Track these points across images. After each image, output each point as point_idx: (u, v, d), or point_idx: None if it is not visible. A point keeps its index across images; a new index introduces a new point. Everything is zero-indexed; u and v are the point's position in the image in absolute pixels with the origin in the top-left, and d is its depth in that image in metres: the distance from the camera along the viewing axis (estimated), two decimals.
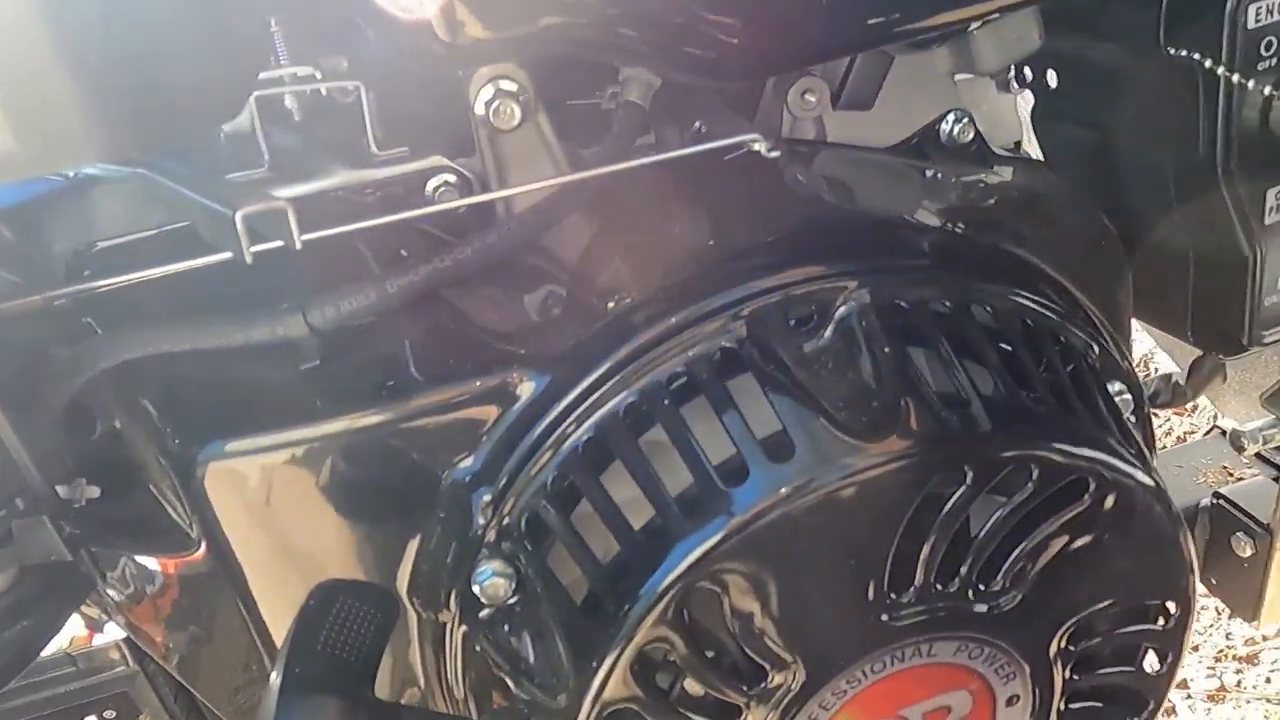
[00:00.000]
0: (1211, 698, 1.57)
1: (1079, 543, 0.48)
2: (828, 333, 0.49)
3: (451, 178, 0.60)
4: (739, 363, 0.48)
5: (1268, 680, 1.57)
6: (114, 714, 0.80)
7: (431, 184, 0.60)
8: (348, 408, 0.50)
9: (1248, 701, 1.55)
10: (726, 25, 0.45)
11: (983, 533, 0.46)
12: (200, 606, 0.57)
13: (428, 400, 0.50)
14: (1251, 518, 0.93)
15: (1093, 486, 0.47)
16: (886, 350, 0.47)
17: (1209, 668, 1.60)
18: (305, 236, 0.49)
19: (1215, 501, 0.96)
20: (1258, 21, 0.56)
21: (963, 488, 0.45)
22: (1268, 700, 1.55)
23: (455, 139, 0.60)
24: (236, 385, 0.51)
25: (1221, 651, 1.62)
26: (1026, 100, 0.76)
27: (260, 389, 0.51)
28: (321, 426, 0.50)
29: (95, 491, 0.55)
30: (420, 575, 0.53)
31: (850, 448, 0.44)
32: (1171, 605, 0.52)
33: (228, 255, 0.51)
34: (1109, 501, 0.47)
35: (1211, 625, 1.63)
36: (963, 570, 0.47)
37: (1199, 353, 0.75)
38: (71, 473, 0.54)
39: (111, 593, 0.58)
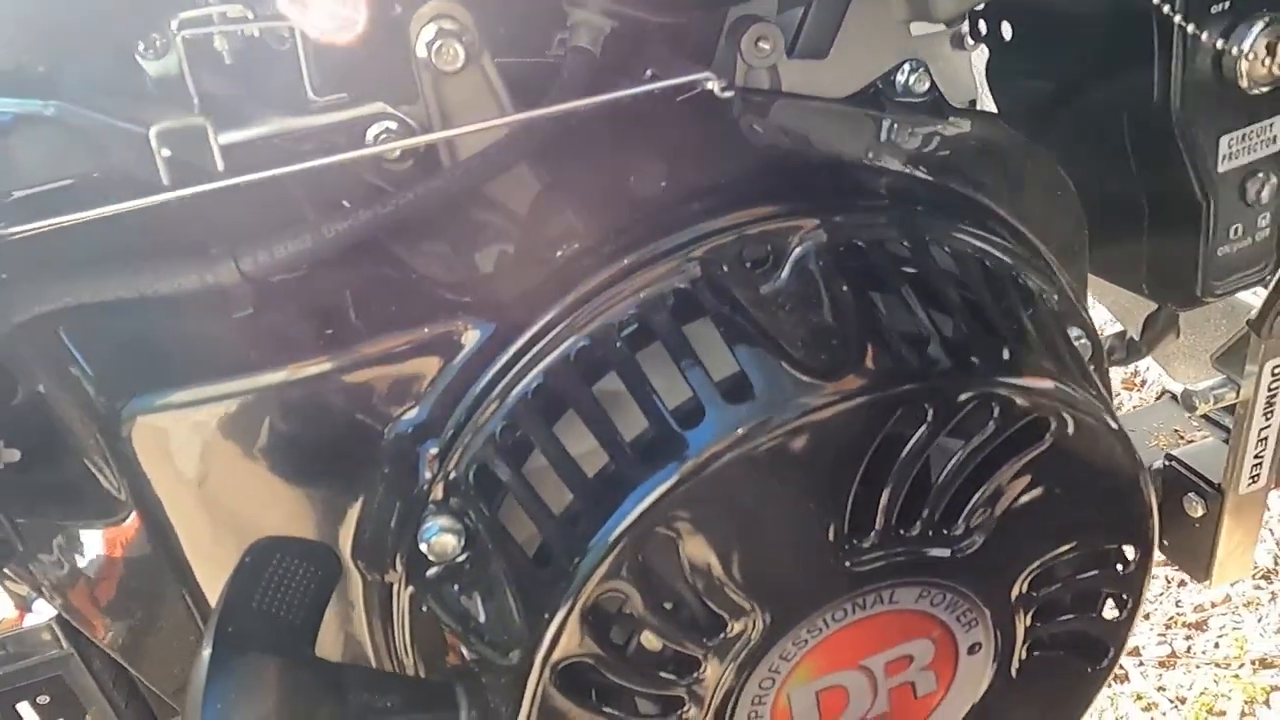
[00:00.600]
0: (1162, 663, 1.59)
1: (1040, 485, 0.47)
2: (784, 273, 0.47)
3: (394, 125, 0.58)
4: (694, 304, 0.47)
5: (1216, 645, 1.60)
6: (48, 699, 0.77)
7: (373, 131, 0.57)
8: (284, 358, 0.47)
9: (1197, 666, 1.58)
10: None
11: (944, 474, 0.45)
12: (139, 581, 0.54)
13: (368, 349, 0.48)
14: (1202, 478, 0.93)
15: (1053, 425, 0.46)
16: (844, 290, 0.46)
17: (1160, 635, 1.63)
18: (239, 180, 0.47)
19: (1167, 464, 0.96)
20: None
21: (923, 427, 0.44)
22: (1216, 665, 1.58)
23: (398, 85, 0.58)
24: (164, 337, 0.48)
25: (1172, 619, 1.65)
26: (981, 57, 0.76)
27: (190, 340, 0.48)
28: (256, 378, 0.47)
29: (14, 455, 0.52)
30: (364, 535, 0.51)
31: (809, 387, 0.43)
32: (1131, 550, 0.52)
33: (153, 200, 0.48)
34: (1069, 442, 0.46)
35: (1162, 593, 1.66)
36: (924, 513, 0.46)
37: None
38: None
39: (44, 570, 0.55)
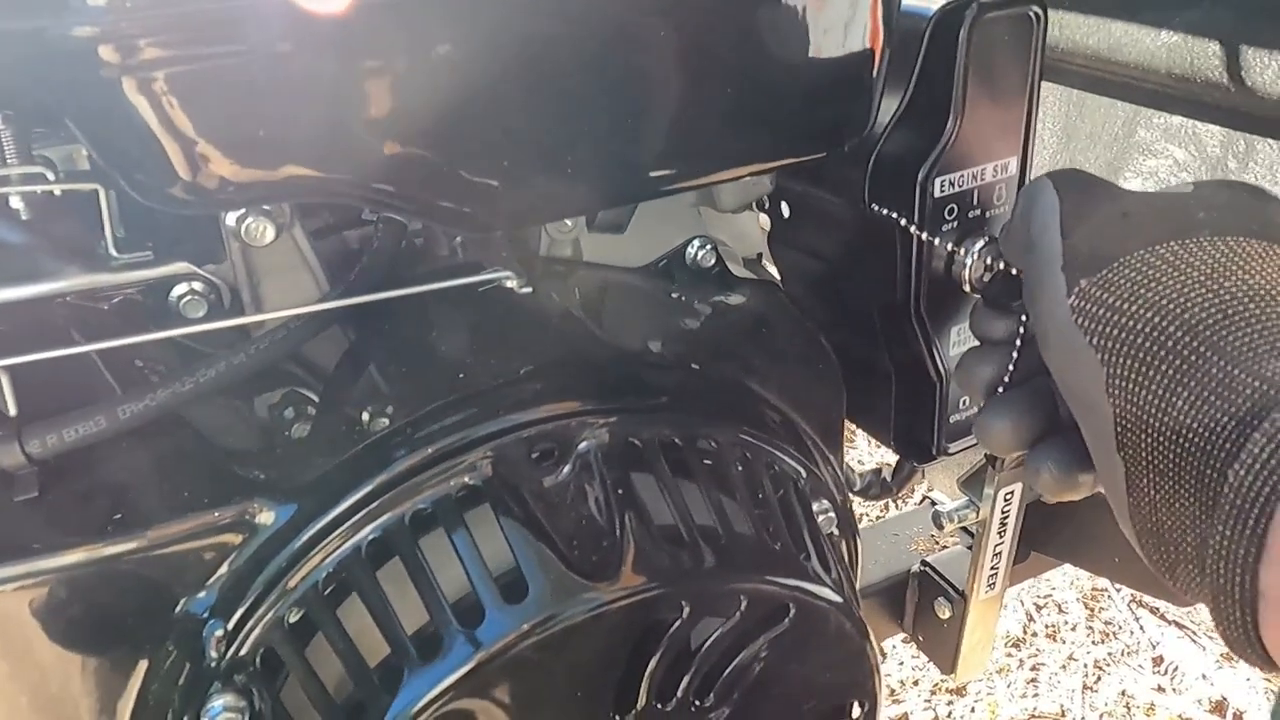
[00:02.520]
0: None
1: (780, 657, 0.54)
2: (566, 469, 0.52)
3: (199, 285, 0.59)
4: (481, 498, 0.51)
5: (972, 710, 1.78)
6: None
7: (176, 291, 0.58)
8: (68, 543, 0.48)
9: None
10: (481, 185, 0.47)
11: (699, 656, 0.51)
12: None
13: (159, 534, 0.49)
14: (950, 584, 1.06)
15: (793, 611, 0.53)
16: (618, 489, 0.51)
17: (925, 700, 1.79)
18: (18, 360, 0.47)
19: (922, 569, 1.08)
20: (942, 191, 0.66)
21: (681, 619, 0.50)
22: None
23: (203, 243, 0.59)
24: None
25: (936, 685, 1.81)
26: (765, 220, 0.84)
27: None
28: (36, 563, 0.47)
29: None
30: (146, 708, 0.51)
31: (580, 586, 0.48)
32: (860, 704, 0.60)
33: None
34: (807, 622, 0.54)
35: (928, 662, 1.83)
36: (680, 690, 0.52)
37: None
38: None
39: None
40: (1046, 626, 1.93)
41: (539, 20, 0.46)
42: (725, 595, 0.51)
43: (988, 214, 0.69)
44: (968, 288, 0.68)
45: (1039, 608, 1.98)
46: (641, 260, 0.73)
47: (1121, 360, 0.42)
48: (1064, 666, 1.85)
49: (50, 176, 0.55)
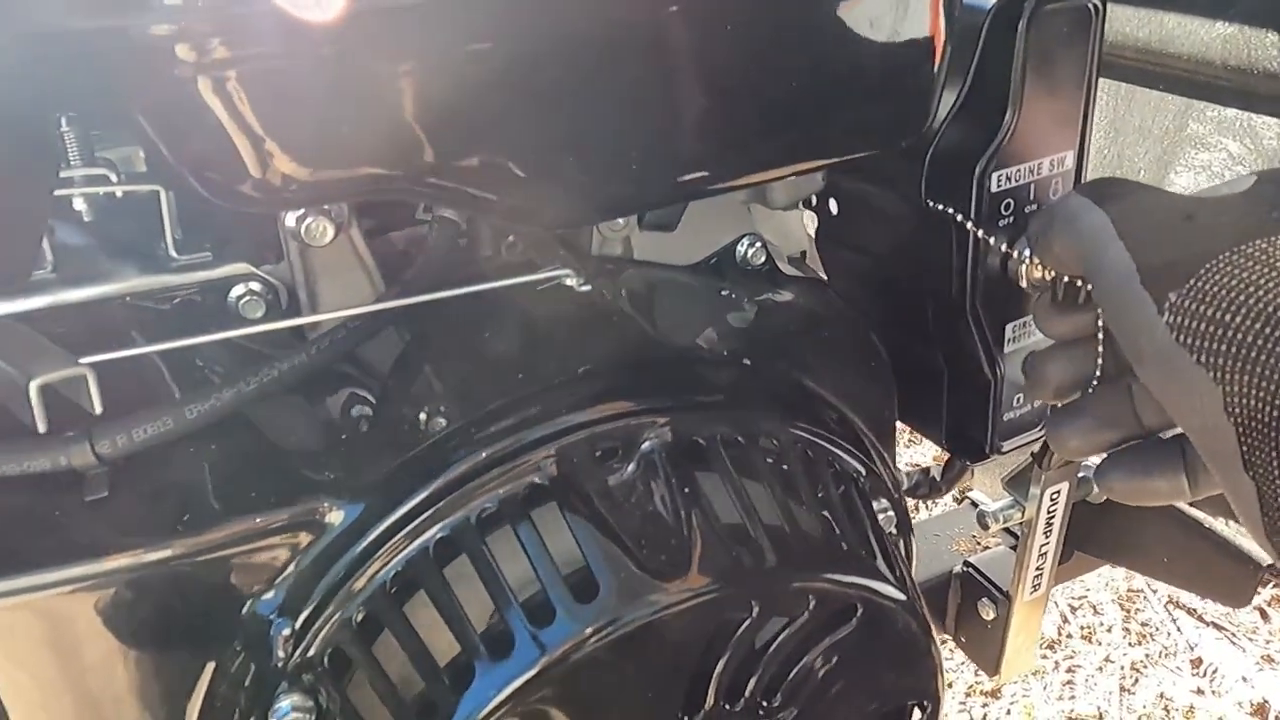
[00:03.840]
0: None
1: (846, 659, 0.53)
2: (630, 468, 0.52)
3: (257, 286, 0.59)
4: (547, 497, 0.50)
5: (1008, 712, 1.76)
6: None
7: (235, 292, 0.58)
8: (138, 543, 0.48)
9: None
10: (548, 182, 0.47)
11: (766, 657, 0.51)
12: None
13: (227, 533, 0.49)
14: (994, 585, 1.05)
15: (860, 611, 0.52)
16: (684, 488, 0.51)
17: (960, 702, 1.77)
18: (96, 359, 0.47)
19: (965, 570, 1.07)
20: (999, 186, 0.65)
21: (750, 618, 0.49)
22: None
23: (262, 243, 0.59)
24: (12, 517, 0.48)
25: (971, 687, 1.80)
26: (811, 218, 0.84)
27: (40, 522, 0.48)
28: (107, 563, 0.47)
29: None
30: (214, 706, 0.51)
31: (651, 586, 0.47)
32: (924, 705, 0.59)
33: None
34: (874, 622, 0.53)
35: (963, 663, 1.81)
36: (748, 690, 0.51)
37: None
38: None
39: None
40: (1082, 628, 1.91)
41: (604, 13, 0.46)
42: (794, 595, 0.50)
43: (1044, 209, 0.68)
44: (1024, 284, 0.67)
45: (1074, 609, 1.96)
46: (691, 259, 0.72)
47: (1238, 377, 0.39)
48: (1100, 668, 1.83)
49: (112, 178, 0.55)
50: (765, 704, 0.52)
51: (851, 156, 0.57)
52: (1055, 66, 0.64)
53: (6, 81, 0.42)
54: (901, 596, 0.54)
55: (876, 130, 0.56)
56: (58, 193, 0.53)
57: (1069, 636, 1.90)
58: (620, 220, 0.67)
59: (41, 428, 0.40)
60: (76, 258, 0.55)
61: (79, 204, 0.56)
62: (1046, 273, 0.61)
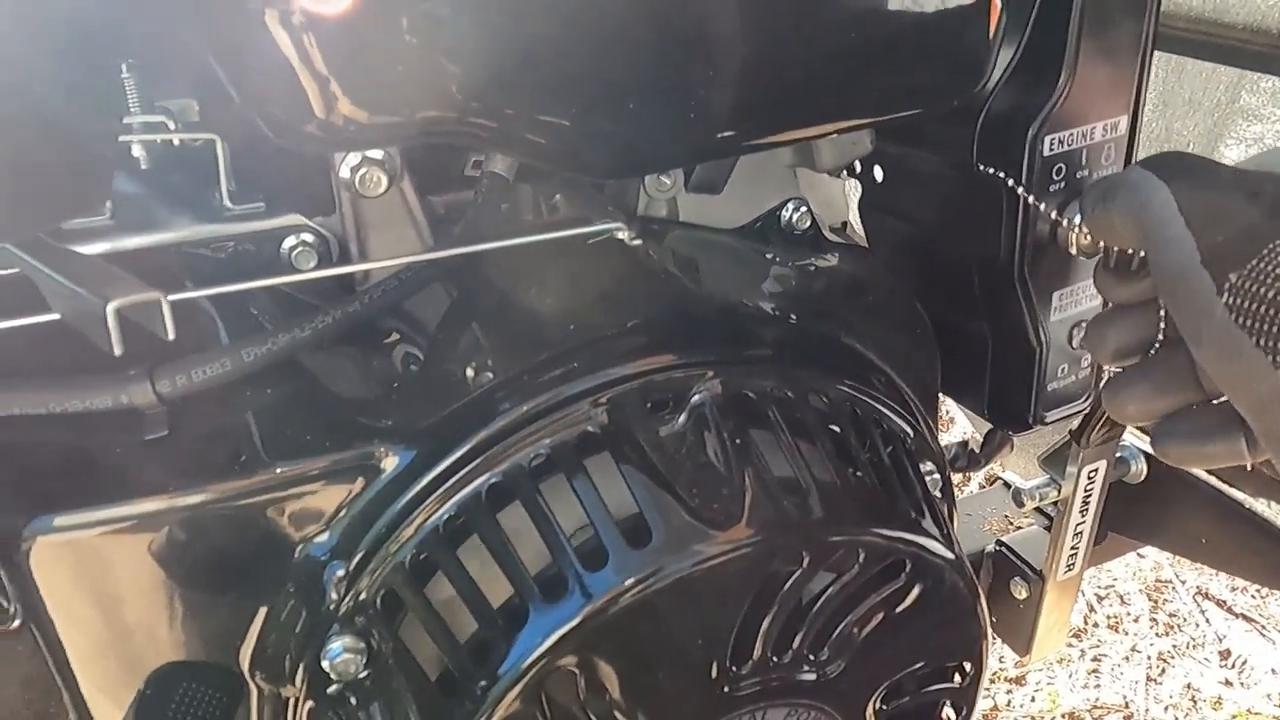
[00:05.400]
0: (985, 717, 1.73)
1: (895, 614, 0.53)
2: (681, 419, 0.52)
3: (309, 237, 0.59)
4: (600, 446, 0.51)
5: (1032, 699, 1.75)
6: None
7: (287, 243, 0.59)
8: (196, 482, 0.48)
9: (1015, 719, 1.73)
10: (607, 130, 0.47)
11: (814, 609, 0.51)
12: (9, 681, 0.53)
13: (284, 475, 0.49)
14: (1027, 564, 1.04)
15: (909, 566, 0.52)
16: (735, 439, 0.51)
17: (985, 688, 1.77)
18: (179, 296, 0.47)
19: (997, 549, 1.07)
20: (1051, 150, 0.65)
21: (800, 569, 0.49)
22: (1032, 717, 1.73)
23: (314, 195, 0.59)
24: (71, 454, 0.48)
25: (995, 674, 1.79)
26: (854, 185, 0.83)
27: (99, 459, 0.49)
28: (166, 501, 0.48)
29: None
30: (265, 649, 0.52)
31: (703, 534, 0.47)
32: (968, 665, 0.59)
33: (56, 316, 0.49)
34: (922, 579, 0.53)
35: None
36: (795, 642, 0.51)
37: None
38: None
39: None
40: (1108, 617, 1.90)
41: None
42: (845, 548, 0.50)
43: (1095, 175, 0.67)
44: (1073, 250, 0.66)
45: (1100, 598, 1.94)
46: (735, 222, 0.72)
47: None
48: (1127, 658, 1.82)
49: (171, 126, 0.55)
50: (812, 657, 0.52)
51: (907, 113, 0.57)
52: (1112, 28, 0.63)
53: (78, 24, 0.43)
54: (950, 555, 0.54)
55: (932, 87, 0.56)
56: (119, 139, 0.53)
57: (1095, 625, 1.89)
58: (667, 181, 0.67)
59: (117, 350, 0.41)
60: (134, 206, 0.56)
61: (136, 152, 0.56)
62: (1098, 241, 0.60)
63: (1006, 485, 1.16)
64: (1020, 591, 1.05)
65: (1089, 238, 0.60)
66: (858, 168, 0.79)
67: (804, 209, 0.73)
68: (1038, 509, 1.12)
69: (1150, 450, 1.04)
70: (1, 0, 0.36)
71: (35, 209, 0.37)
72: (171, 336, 0.42)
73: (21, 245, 0.42)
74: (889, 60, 0.52)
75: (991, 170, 0.65)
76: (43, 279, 0.41)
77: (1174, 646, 1.83)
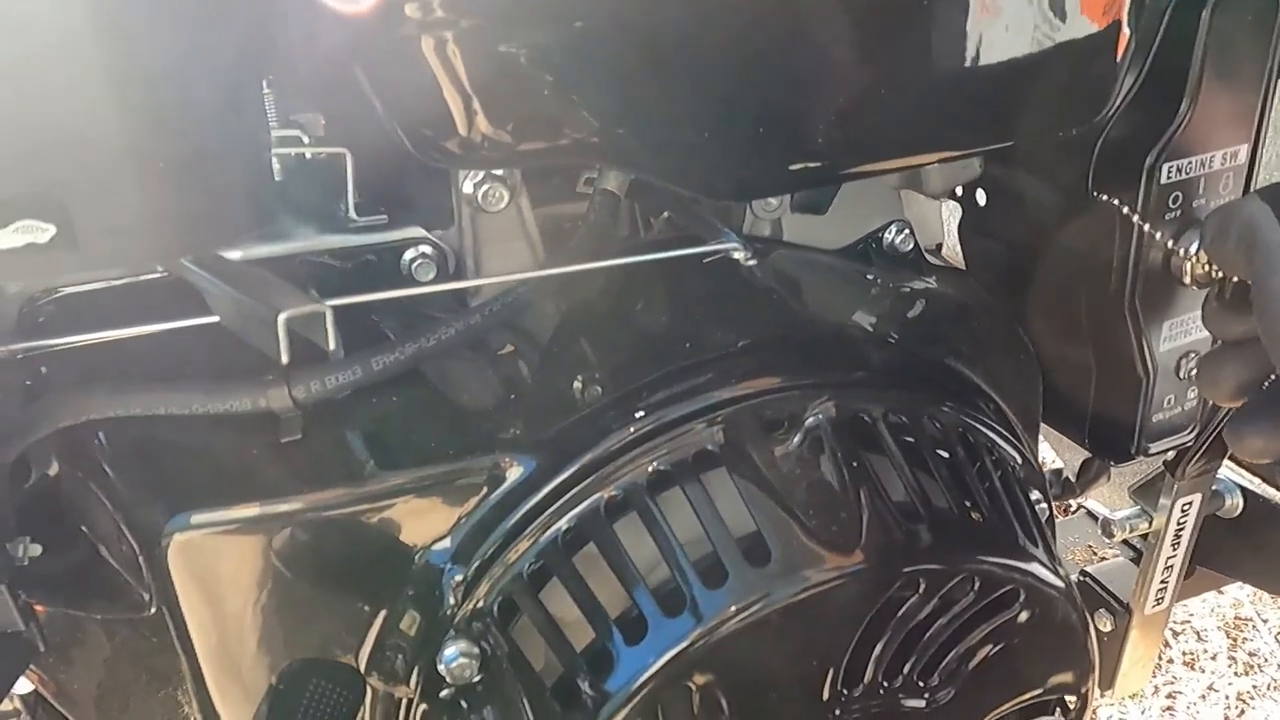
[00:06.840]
0: None
1: (1006, 644, 0.53)
2: (796, 439, 0.52)
3: (429, 250, 0.61)
4: (716, 464, 0.51)
5: None
6: None
7: (408, 255, 0.61)
8: (328, 486, 0.50)
9: None
10: (739, 154, 0.48)
11: (927, 636, 0.51)
12: (140, 673, 0.55)
13: (412, 480, 0.51)
14: (1113, 596, 1.02)
15: (1023, 597, 0.52)
16: (851, 462, 0.51)
17: None
18: (339, 301, 0.49)
19: (1082, 579, 1.05)
20: (1168, 178, 0.64)
21: (915, 596, 0.49)
22: None
23: (433, 209, 0.61)
24: (210, 454, 0.50)
25: None
26: (950, 208, 0.83)
27: (236, 460, 0.50)
28: (299, 503, 0.49)
29: (37, 550, 0.53)
30: (383, 650, 0.53)
31: (821, 557, 0.47)
32: (1073, 700, 0.58)
33: (204, 321, 0.51)
34: (1034, 609, 0.52)
35: None
36: (906, 668, 0.51)
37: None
38: (14, 530, 0.52)
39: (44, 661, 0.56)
40: (1184, 654, 1.85)
41: None
42: (960, 575, 0.50)
43: (1212, 204, 0.66)
44: (1187, 280, 0.65)
45: (1176, 634, 1.89)
46: (839, 243, 0.72)
47: None
48: (1203, 697, 1.76)
49: (305, 139, 0.58)
50: (922, 683, 0.52)
51: (1031, 140, 0.56)
52: (1236, 56, 0.62)
53: (245, 42, 0.45)
54: (1061, 585, 0.53)
55: (1059, 114, 0.56)
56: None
57: (1170, 662, 1.83)
58: (774, 201, 0.68)
59: (284, 359, 0.42)
60: (271, 216, 0.58)
61: (274, 165, 0.58)
62: (1214, 271, 0.59)
63: (1091, 515, 1.14)
64: (1105, 624, 1.02)
65: (1205, 267, 0.59)
66: (959, 190, 0.79)
67: (906, 231, 0.72)
68: (1125, 540, 1.09)
69: (1245, 485, 1.01)
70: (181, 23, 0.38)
71: (218, 225, 0.39)
72: (333, 346, 0.43)
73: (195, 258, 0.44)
74: (1021, 88, 0.52)
75: (1106, 197, 0.64)
76: (214, 289, 0.43)
77: (1254, 687, 1.77)
